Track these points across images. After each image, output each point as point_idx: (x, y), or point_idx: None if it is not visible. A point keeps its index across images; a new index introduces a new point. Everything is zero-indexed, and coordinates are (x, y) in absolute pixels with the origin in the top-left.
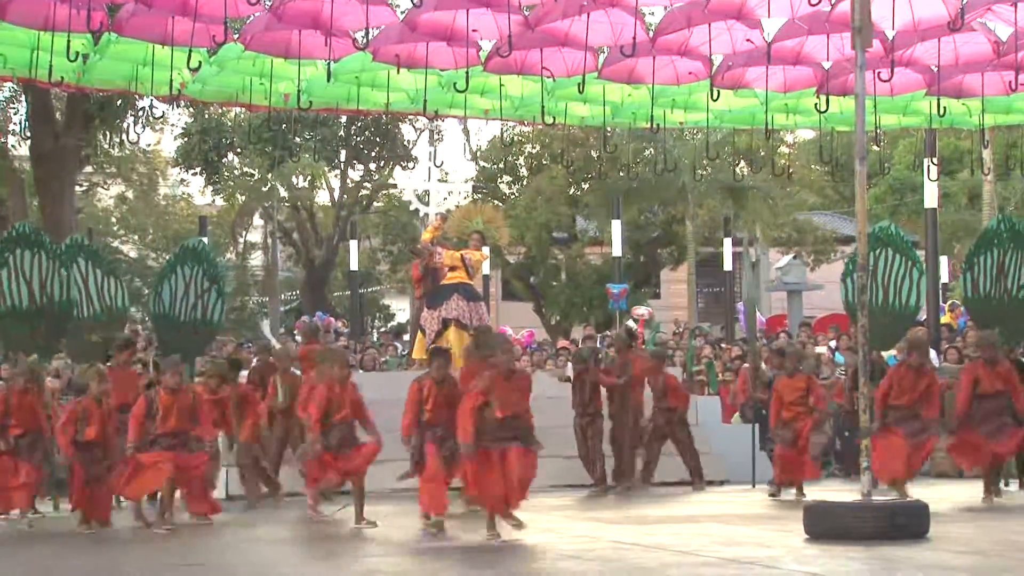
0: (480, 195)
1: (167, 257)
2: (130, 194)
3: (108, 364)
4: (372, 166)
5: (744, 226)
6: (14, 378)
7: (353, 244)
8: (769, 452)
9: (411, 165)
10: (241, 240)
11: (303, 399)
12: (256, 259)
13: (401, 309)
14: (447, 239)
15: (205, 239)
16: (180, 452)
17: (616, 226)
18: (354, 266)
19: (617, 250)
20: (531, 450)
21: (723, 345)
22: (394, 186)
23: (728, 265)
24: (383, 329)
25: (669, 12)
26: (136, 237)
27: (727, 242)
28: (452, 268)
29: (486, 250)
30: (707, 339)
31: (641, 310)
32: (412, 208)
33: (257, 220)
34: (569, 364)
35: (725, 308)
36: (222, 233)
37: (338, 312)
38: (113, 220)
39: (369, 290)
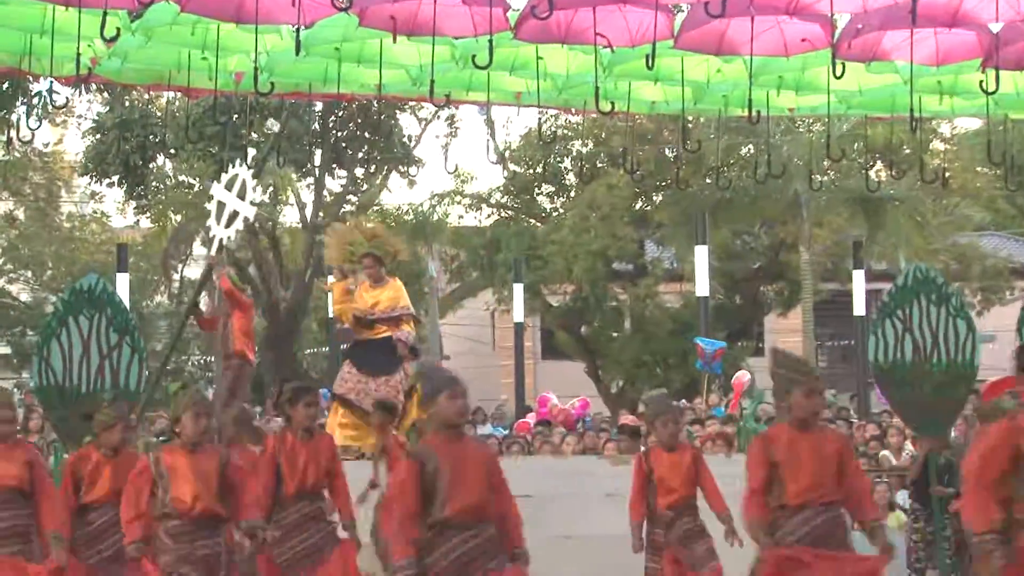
0: (510, 211)
1: (54, 306)
2: (21, 213)
3: None
4: (359, 172)
5: (882, 253)
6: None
7: (332, 281)
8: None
9: (414, 170)
10: (176, 277)
11: None
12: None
13: None
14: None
15: (122, 277)
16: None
17: (701, 254)
18: (334, 312)
19: (703, 288)
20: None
21: (855, 420)
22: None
23: (860, 308)
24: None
25: None
26: (30, 274)
27: (858, 276)
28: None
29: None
30: (832, 412)
31: (745, 377)
32: (210, 233)
33: (199, 248)
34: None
35: (857, 368)
36: (149, 267)
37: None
38: None
39: None
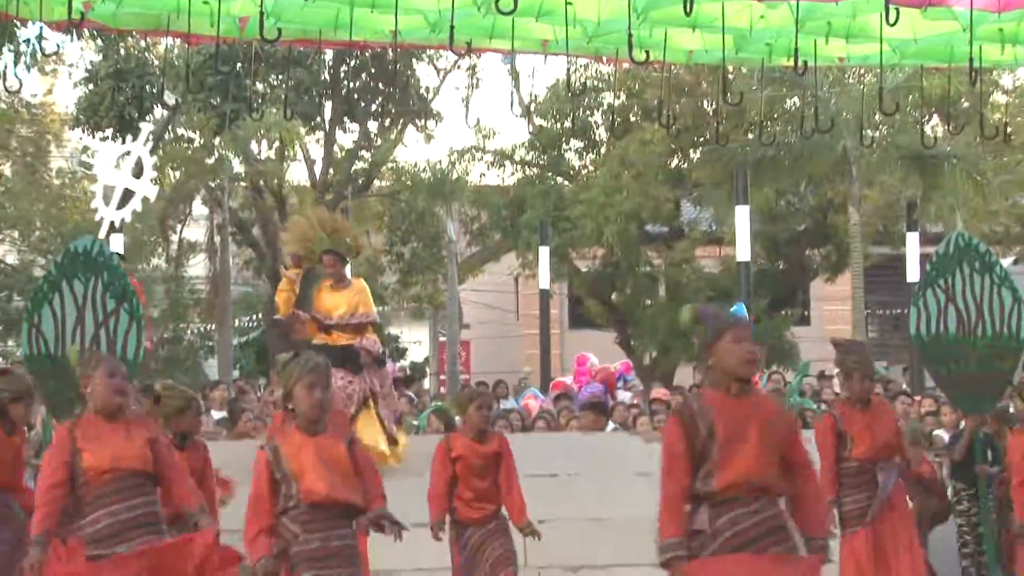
0: (536, 168)
1: (47, 268)
2: (7, 169)
3: None
4: (372, 126)
5: (938, 214)
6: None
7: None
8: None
9: (432, 124)
10: (175, 238)
11: None
12: (198, 267)
13: (417, 341)
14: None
15: (116, 238)
16: None
17: (742, 215)
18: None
19: (744, 252)
20: None
21: (909, 397)
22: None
23: (914, 273)
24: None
25: None
26: (16, 234)
27: (912, 239)
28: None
29: (361, 281)
30: (883, 387)
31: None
32: (97, 215)
33: (199, 208)
34: None
35: (911, 338)
36: (146, 228)
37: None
38: None
39: None
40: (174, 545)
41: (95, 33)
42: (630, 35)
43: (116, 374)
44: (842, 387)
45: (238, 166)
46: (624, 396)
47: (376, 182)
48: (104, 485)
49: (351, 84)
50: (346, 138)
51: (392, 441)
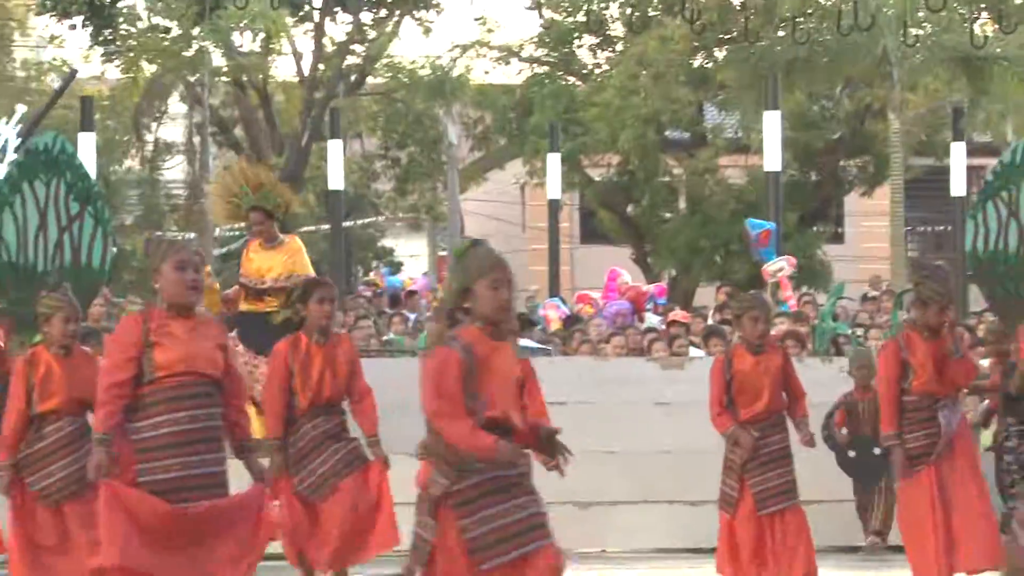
0: (546, 66)
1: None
2: None
3: None
4: (366, 17)
5: (987, 122)
6: None
7: (334, 147)
8: None
9: (431, 16)
10: (150, 138)
11: None
12: (175, 169)
13: (413, 255)
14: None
15: (86, 136)
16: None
17: (771, 121)
18: (336, 183)
19: (773, 161)
20: None
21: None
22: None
23: (959, 187)
24: (379, 291)
25: None
26: None
27: (957, 149)
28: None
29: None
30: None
31: (778, 264)
32: None
33: (177, 105)
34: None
35: (954, 258)
36: (119, 126)
37: None
38: None
39: (360, 223)
40: (240, 503)
41: None
42: None
43: (187, 267)
44: (912, 312)
45: (219, 60)
46: (652, 320)
47: (370, 79)
48: (171, 388)
49: None
50: (337, 30)
51: None
